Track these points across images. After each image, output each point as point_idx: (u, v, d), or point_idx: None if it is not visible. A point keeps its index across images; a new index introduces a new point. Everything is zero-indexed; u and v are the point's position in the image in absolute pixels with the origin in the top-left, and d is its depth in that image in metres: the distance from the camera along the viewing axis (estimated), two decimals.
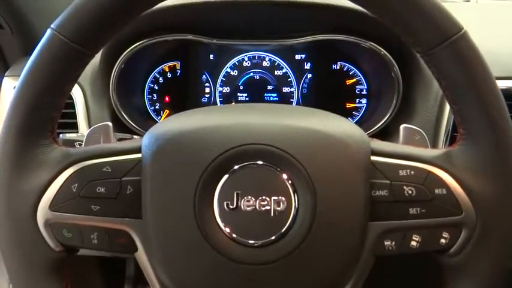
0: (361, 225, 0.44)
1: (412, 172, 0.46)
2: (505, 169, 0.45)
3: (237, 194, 0.43)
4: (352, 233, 0.44)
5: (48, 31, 0.44)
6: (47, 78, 0.44)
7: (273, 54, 0.92)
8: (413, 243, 0.45)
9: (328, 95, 0.92)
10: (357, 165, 0.45)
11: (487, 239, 0.45)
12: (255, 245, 0.43)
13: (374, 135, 0.83)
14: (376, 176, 0.45)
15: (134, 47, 0.83)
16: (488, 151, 0.44)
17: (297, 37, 0.87)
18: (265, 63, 0.92)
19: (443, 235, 0.45)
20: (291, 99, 0.92)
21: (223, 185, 0.44)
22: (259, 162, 0.44)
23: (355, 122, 0.90)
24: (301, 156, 0.44)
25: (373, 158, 0.46)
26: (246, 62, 0.92)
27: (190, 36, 0.86)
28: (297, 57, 0.92)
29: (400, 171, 0.46)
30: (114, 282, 1.15)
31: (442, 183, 0.45)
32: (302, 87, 0.92)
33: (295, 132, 0.45)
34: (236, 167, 0.44)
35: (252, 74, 0.92)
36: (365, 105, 0.92)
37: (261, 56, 0.92)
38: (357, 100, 0.92)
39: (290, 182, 0.44)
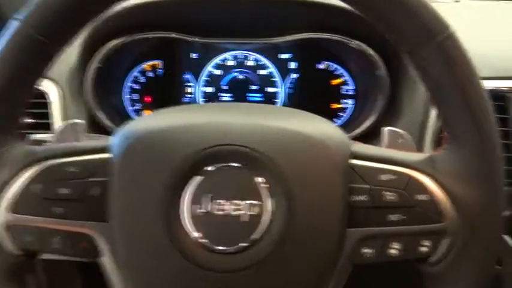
0: (338, 231, 0.42)
1: (393, 177, 0.44)
2: (490, 174, 0.43)
3: (209, 197, 0.41)
4: (329, 239, 0.42)
5: (12, 21, 0.41)
6: (9, 70, 0.42)
7: (257, 53, 0.89)
8: (393, 251, 0.43)
9: (314, 95, 0.90)
10: (335, 168, 0.43)
11: (471, 246, 0.43)
12: (226, 251, 0.41)
13: (361, 137, 0.81)
14: (355, 180, 0.43)
15: (113, 45, 0.80)
16: (473, 155, 0.43)
17: (282, 35, 0.85)
18: (249, 63, 0.90)
19: (425, 243, 0.43)
20: (276, 100, 0.90)
21: (194, 187, 0.41)
22: (233, 164, 0.42)
23: (342, 123, 0.88)
24: (277, 158, 0.42)
25: (352, 161, 0.44)
26: (229, 61, 0.90)
27: (172, 34, 0.83)
28: (282, 56, 0.90)
29: (381, 176, 0.44)
30: (95, 287, 1.12)
31: (424, 189, 0.43)
32: (287, 87, 0.90)
33: (271, 133, 0.43)
34: (208, 168, 0.42)
35: (235, 74, 0.90)
36: (351, 105, 0.90)
37: (245, 55, 0.90)
38: (343, 101, 0.90)
39: (265, 185, 0.42)
